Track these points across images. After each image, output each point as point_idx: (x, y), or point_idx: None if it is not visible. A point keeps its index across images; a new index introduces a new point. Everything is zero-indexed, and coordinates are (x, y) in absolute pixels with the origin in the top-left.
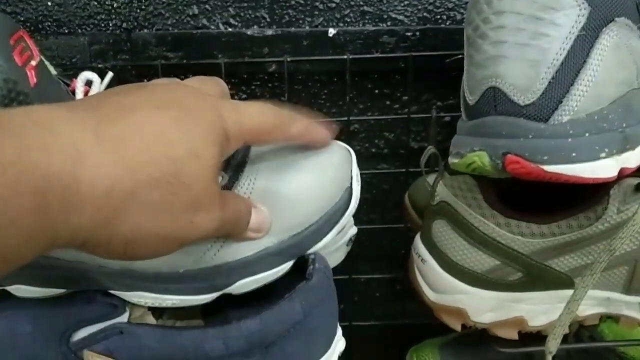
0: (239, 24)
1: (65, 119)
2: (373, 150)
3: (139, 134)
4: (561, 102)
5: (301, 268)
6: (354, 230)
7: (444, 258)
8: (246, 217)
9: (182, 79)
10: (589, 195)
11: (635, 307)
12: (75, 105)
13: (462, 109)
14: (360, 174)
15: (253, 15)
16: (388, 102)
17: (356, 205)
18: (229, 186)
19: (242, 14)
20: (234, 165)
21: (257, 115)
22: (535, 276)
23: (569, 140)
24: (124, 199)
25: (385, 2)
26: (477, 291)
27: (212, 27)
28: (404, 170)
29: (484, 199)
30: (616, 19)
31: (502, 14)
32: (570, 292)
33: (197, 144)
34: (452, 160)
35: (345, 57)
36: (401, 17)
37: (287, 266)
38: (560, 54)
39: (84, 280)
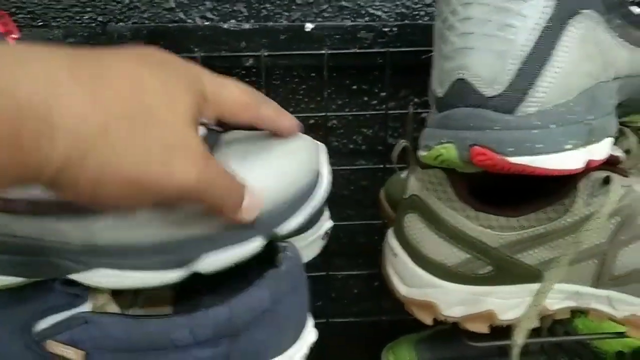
0: (216, 18)
1: (39, 55)
2: (351, 146)
3: (115, 76)
4: (527, 93)
5: (273, 258)
6: (329, 223)
7: (415, 252)
8: (239, 192)
9: None
10: (558, 189)
11: (604, 301)
12: (49, 48)
13: (431, 102)
14: (338, 170)
15: (230, 9)
16: (366, 98)
17: (327, 190)
18: None
19: (219, 8)
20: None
21: (234, 89)
22: (505, 269)
23: (535, 131)
24: (96, 133)
25: None
26: (447, 285)
27: (189, 20)
28: (381, 166)
29: (454, 192)
30: (582, 10)
31: (470, 5)
32: (539, 285)
33: (174, 91)
34: (420, 153)
35: (323, 52)
36: (379, 13)
37: (255, 243)
38: (527, 46)
39: (45, 265)
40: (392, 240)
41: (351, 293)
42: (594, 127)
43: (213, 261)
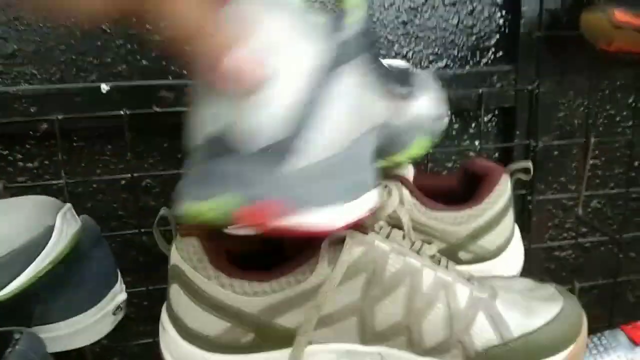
0: (7, 81)
1: None
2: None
3: None
4: (292, 148)
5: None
6: (122, 296)
7: (181, 324)
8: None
9: None
10: (306, 250)
11: (375, 357)
12: None
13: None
14: None
15: (22, 72)
16: (180, 156)
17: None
18: None
19: (8, 71)
20: None
21: None
22: (267, 335)
23: (303, 187)
24: None
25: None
26: (214, 356)
27: None
28: None
29: (209, 260)
30: (350, 62)
31: None
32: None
33: None
34: (183, 207)
35: (121, 113)
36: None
37: None
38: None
39: None
40: (163, 313)
41: None
42: (358, 182)
43: None
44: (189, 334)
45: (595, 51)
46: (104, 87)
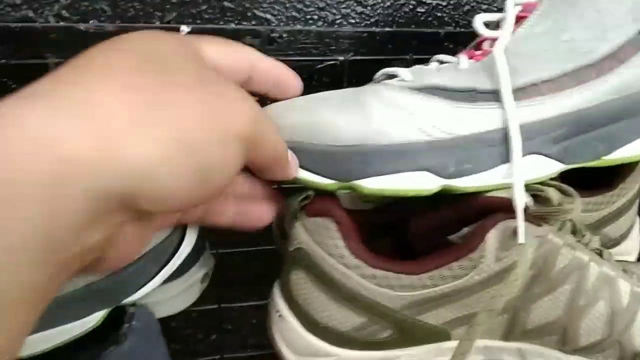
0: (74, 18)
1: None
2: None
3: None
4: None
5: (117, 323)
6: (210, 263)
7: (304, 315)
8: (284, 144)
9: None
10: (463, 239)
11: (514, 353)
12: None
13: None
14: None
15: (90, 7)
16: None
17: (192, 243)
18: None
19: (76, 5)
20: None
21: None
22: (408, 332)
23: None
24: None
25: None
26: (343, 352)
27: (40, 20)
28: (275, 186)
29: (346, 246)
30: None
31: None
32: (448, 343)
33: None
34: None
35: None
36: (267, 16)
37: (95, 318)
38: None
39: None
40: (277, 298)
41: (248, 324)
42: None
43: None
44: (314, 326)
45: None
46: (184, 29)
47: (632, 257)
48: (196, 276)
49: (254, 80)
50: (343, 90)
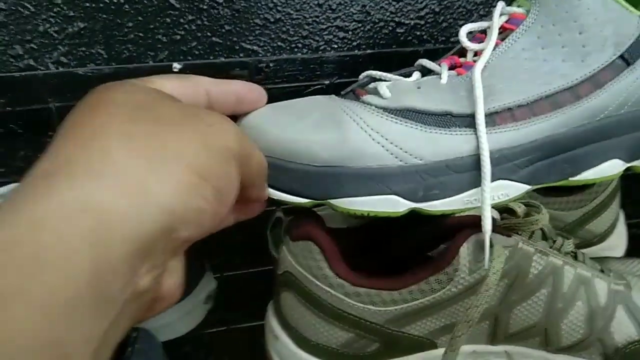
0: (72, 63)
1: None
2: None
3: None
4: None
5: (121, 346)
6: (212, 285)
7: (296, 334)
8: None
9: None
10: (439, 255)
11: (502, 355)
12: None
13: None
14: None
15: (87, 52)
16: None
17: None
18: None
19: (74, 51)
20: None
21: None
22: (394, 344)
23: None
24: None
25: (235, 32)
26: None
27: (41, 67)
28: (273, 208)
29: (329, 267)
30: None
31: None
32: (435, 352)
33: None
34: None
35: None
36: (255, 48)
37: None
38: None
39: None
40: (271, 319)
41: (256, 343)
42: None
43: None
44: (305, 344)
45: None
46: (176, 66)
47: (619, 252)
48: (198, 298)
49: (216, 104)
50: (322, 101)
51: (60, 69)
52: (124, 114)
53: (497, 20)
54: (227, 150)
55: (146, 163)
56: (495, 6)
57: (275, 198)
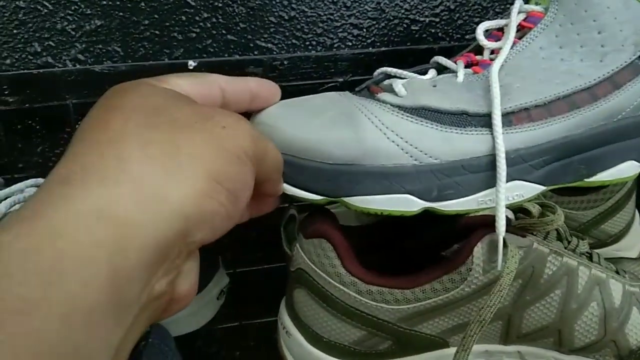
0: (89, 60)
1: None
2: None
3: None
4: None
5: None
6: (225, 281)
7: (309, 331)
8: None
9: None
10: (452, 254)
11: (514, 355)
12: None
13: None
14: None
15: (104, 50)
16: None
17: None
18: None
19: (91, 49)
20: None
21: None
22: (406, 342)
23: None
24: None
25: (250, 30)
26: None
27: (59, 65)
28: (286, 205)
29: (342, 264)
30: None
31: None
32: (447, 350)
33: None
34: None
35: None
36: (269, 45)
37: None
38: None
39: None
40: (283, 315)
41: (270, 340)
42: None
43: None
44: (318, 341)
45: None
46: (191, 64)
47: (634, 253)
48: (211, 294)
49: (230, 102)
50: (336, 98)
51: (78, 67)
52: (139, 119)
53: (515, 18)
54: (242, 152)
55: (161, 169)
56: (512, 4)
57: (289, 194)
